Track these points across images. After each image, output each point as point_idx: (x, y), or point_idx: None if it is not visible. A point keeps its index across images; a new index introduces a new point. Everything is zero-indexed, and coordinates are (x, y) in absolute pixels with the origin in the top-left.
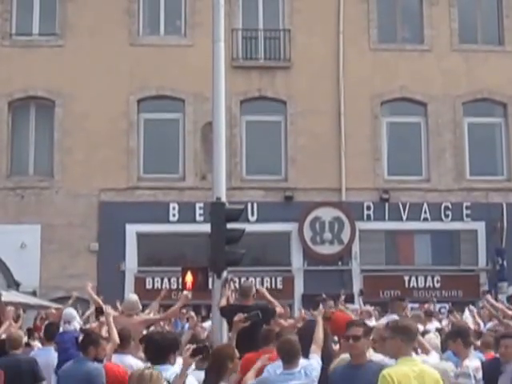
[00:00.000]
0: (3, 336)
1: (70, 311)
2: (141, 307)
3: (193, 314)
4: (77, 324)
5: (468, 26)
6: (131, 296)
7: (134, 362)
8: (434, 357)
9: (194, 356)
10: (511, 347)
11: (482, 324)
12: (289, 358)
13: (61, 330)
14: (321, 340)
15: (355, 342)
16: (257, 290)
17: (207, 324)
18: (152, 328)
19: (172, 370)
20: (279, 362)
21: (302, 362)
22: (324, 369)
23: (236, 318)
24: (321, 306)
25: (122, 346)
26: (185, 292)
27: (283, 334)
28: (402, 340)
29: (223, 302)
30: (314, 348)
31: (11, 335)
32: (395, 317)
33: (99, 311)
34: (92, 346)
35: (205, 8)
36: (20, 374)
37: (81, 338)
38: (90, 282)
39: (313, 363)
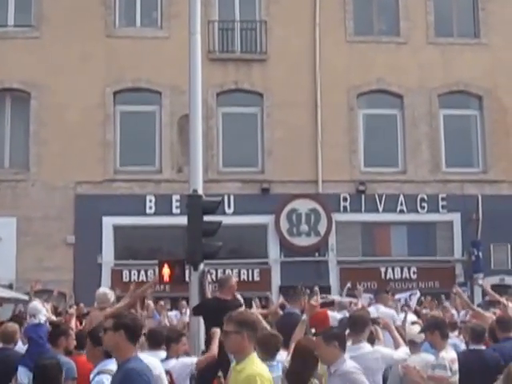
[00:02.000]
0: None
1: (35, 305)
2: (113, 299)
3: (162, 303)
4: (42, 317)
5: (444, 18)
6: (101, 289)
7: None
8: (402, 350)
9: None
10: None
11: (456, 314)
12: (269, 351)
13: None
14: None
15: None
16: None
17: (172, 313)
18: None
19: None
20: None
21: (279, 355)
22: None
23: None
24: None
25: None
26: (152, 276)
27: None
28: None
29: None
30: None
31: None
32: (382, 308)
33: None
34: (63, 336)
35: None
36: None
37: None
38: (64, 277)
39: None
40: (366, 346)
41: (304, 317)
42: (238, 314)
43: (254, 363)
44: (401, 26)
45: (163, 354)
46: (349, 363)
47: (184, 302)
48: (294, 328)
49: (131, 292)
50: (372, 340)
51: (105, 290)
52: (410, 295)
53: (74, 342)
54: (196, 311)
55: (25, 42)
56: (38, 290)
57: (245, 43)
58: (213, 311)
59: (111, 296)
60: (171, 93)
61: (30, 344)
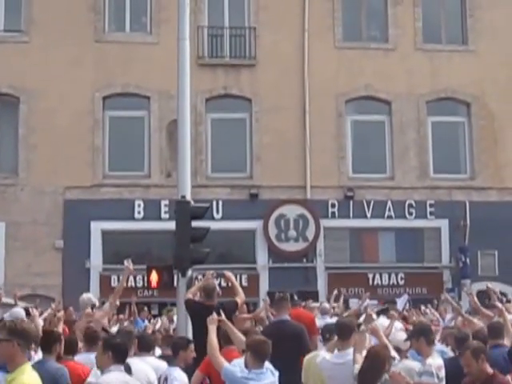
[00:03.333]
0: None
1: (18, 311)
2: (95, 302)
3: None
4: None
5: (432, 25)
6: (83, 295)
7: None
8: None
9: None
10: None
11: (441, 320)
12: (262, 357)
13: None
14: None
15: None
16: (223, 275)
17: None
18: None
19: None
20: (240, 360)
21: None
22: (298, 362)
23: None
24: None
25: (89, 345)
26: (126, 263)
27: (250, 333)
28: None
29: (189, 296)
30: None
31: None
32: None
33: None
34: (58, 343)
35: (171, 5)
36: None
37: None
38: (53, 282)
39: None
40: (352, 353)
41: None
42: (11, 322)
43: (25, 373)
44: (389, 32)
45: (152, 359)
46: None
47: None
48: (283, 336)
49: (114, 297)
50: None
51: (88, 294)
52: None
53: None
54: (188, 306)
55: (14, 46)
56: (22, 295)
57: (234, 49)
58: (201, 317)
59: (92, 299)
60: (160, 98)
61: None
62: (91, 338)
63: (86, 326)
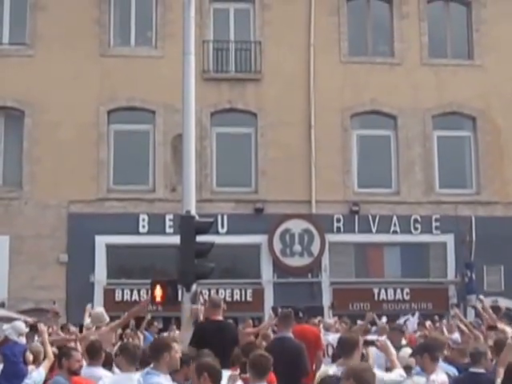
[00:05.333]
0: None
1: (20, 325)
2: (108, 318)
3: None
4: (21, 338)
5: (438, 39)
6: (97, 309)
7: (103, 373)
8: (395, 372)
9: None
10: None
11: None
12: (262, 372)
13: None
14: None
15: None
16: None
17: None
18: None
19: None
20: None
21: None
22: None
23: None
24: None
25: (93, 359)
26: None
27: (253, 349)
28: None
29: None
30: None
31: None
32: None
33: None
34: (64, 358)
35: (176, 19)
36: None
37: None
38: (57, 296)
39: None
40: None
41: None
42: None
43: None
44: (395, 46)
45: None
46: None
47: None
48: (281, 353)
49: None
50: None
51: (101, 309)
52: (405, 321)
53: (79, 363)
54: (194, 342)
55: (19, 60)
56: (26, 309)
57: (239, 63)
58: (211, 334)
59: (106, 316)
60: (165, 112)
61: (5, 362)
62: (95, 351)
63: (91, 340)
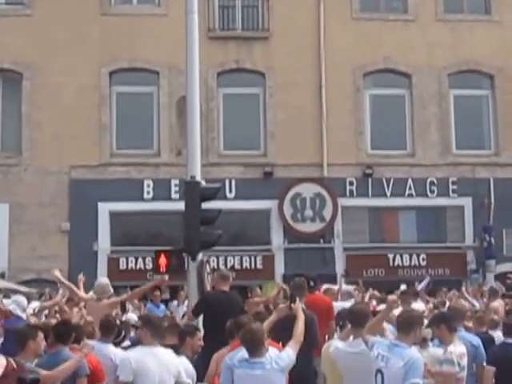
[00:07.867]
0: None
1: (23, 300)
2: (112, 290)
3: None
4: (22, 313)
5: None
6: (101, 279)
7: (114, 351)
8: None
9: None
10: None
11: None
12: (252, 347)
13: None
14: (300, 335)
15: None
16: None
17: (174, 304)
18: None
19: None
20: (240, 351)
21: (272, 352)
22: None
23: None
24: None
25: (104, 335)
26: (160, 276)
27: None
28: None
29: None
30: (292, 343)
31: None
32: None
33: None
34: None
35: None
36: None
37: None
38: (59, 266)
39: (282, 355)
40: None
41: (300, 312)
42: None
43: None
44: (408, 2)
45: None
46: None
47: (183, 293)
48: (291, 325)
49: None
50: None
51: (106, 280)
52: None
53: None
54: (196, 311)
55: (16, 20)
56: (27, 280)
57: (246, 21)
58: (218, 304)
59: (110, 287)
60: (169, 73)
61: (6, 337)
62: (108, 328)
63: (105, 315)
